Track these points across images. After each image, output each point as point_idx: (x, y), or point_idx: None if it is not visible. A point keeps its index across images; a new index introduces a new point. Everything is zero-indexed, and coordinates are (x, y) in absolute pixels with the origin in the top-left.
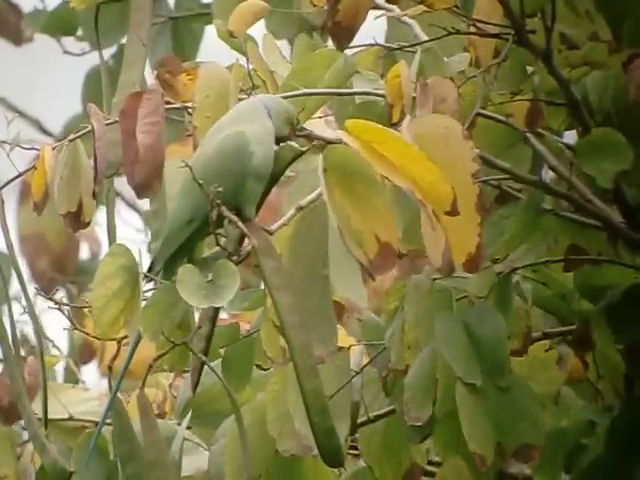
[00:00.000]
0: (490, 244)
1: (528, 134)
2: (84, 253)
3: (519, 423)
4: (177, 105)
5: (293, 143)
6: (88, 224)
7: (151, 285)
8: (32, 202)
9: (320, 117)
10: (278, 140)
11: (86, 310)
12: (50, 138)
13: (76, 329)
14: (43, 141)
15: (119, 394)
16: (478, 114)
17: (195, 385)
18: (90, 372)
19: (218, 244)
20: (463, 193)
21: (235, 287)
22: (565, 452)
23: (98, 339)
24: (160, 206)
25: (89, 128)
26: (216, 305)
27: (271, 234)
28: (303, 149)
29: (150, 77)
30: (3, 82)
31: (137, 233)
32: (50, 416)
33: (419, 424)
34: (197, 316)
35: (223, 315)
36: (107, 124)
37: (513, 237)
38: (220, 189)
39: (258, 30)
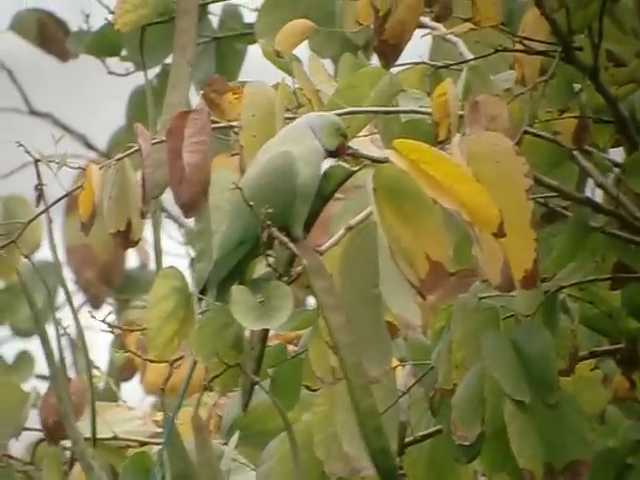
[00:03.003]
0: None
1: (575, 152)
2: (132, 262)
3: (567, 439)
4: (223, 124)
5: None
6: (137, 242)
7: (203, 306)
8: (79, 221)
9: (366, 135)
10: (332, 154)
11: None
12: (95, 153)
13: (127, 352)
14: (88, 156)
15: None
16: (525, 132)
17: (245, 405)
18: (130, 390)
19: (269, 265)
20: (517, 209)
21: (289, 309)
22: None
23: (151, 361)
24: (205, 226)
25: (136, 147)
26: (270, 327)
27: (321, 254)
28: (354, 169)
29: (194, 97)
30: (49, 99)
31: (180, 246)
32: None
33: (467, 443)
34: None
35: None
36: (153, 144)
37: (560, 255)
38: (270, 210)
39: (299, 49)
